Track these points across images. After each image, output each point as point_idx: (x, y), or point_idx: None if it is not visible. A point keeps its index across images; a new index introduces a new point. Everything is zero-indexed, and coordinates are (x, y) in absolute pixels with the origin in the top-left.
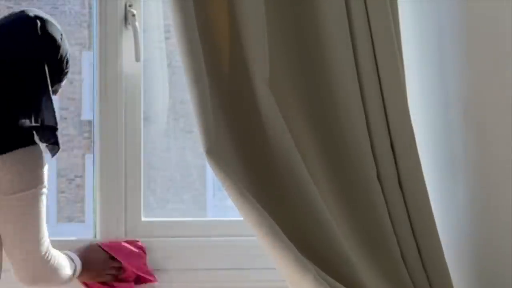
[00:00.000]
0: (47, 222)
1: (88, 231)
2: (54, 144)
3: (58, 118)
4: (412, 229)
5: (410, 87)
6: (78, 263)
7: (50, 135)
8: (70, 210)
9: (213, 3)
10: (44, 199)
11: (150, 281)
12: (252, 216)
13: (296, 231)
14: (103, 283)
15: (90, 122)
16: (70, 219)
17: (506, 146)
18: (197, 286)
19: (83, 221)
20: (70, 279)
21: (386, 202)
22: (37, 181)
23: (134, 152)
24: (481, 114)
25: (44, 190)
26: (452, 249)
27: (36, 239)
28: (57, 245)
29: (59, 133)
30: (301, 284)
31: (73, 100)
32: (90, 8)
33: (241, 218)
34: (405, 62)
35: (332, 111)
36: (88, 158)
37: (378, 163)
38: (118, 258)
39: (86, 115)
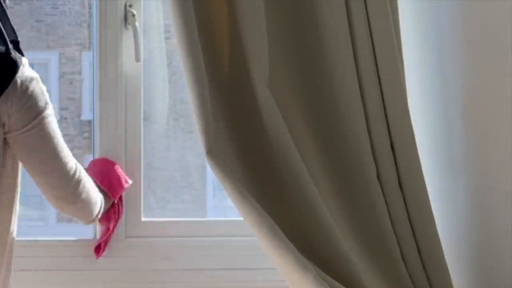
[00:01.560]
0: (47, 223)
1: (88, 231)
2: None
3: (58, 116)
4: (412, 229)
5: (410, 87)
6: (100, 197)
7: (18, 50)
8: None
9: (213, 3)
10: (54, 118)
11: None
12: (252, 216)
13: (296, 231)
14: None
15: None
16: (70, 219)
17: (506, 146)
18: (197, 286)
19: None
20: (99, 209)
21: (386, 202)
22: (43, 104)
23: (134, 152)
24: (481, 114)
25: (51, 109)
26: (452, 249)
27: (61, 157)
28: (57, 245)
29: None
30: (301, 284)
31: (73, 100)
32: (90, 8)
33: (241, 218)
34: (405, 62)
35: (332, 111)
36: (88, 158)
37: (378, 163)
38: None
39: (86, 115)
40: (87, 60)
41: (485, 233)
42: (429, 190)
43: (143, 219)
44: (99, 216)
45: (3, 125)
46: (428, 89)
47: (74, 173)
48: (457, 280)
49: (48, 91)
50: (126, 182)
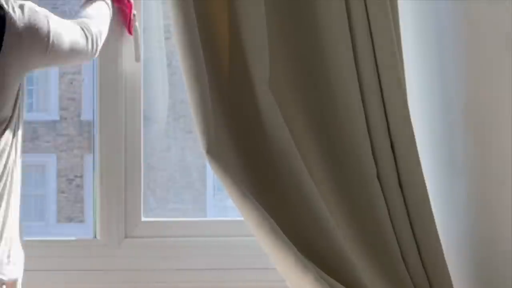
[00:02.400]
0: (47, 223)
1: (88, 231)
2: None
3: (58, 116)
4: (412, 229)
5: (410, 87)
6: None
7: None
8: (70, 210)
9: (213, 3)
10: (59, 23)
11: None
12: (253, 216)
13: (296, 231)
14: None
15: (90, 122)
16: (70, 219)
17: (506, 146)
18: (197, 286)
19: (83, 221)
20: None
21: (386, 202)
22: (45, 23)
23: (134, 152)
24: (481, 114)
25: (53, 20)
26: (452, 249)
27: (80, 43)
28: (57, 245)
29: (59, 133)
30: (302, 284)
31: (73, 100)
32: None
33: (241, 218)
34: (405, 62)
35: (332, 111)
36: (88, 158)
37: (378, 163)
38: None
39: (86, 115)
40: None
41: (485, 233)
42: (429, 190)
43: (143, 219)
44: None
45: (32, 60)
46: (428, 89)
47: (87, 38)
48: (457, 280)
49: (48, 91)
50: None
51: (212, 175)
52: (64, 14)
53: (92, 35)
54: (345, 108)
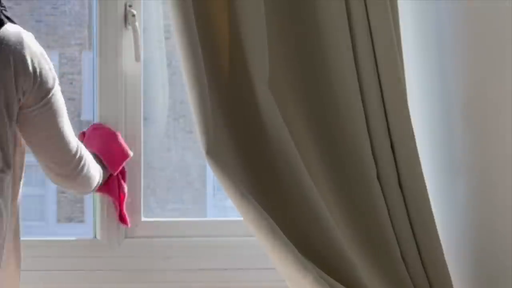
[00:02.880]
0: (47, 223)
1: (88, 231)
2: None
3: None
4: (412, 229)
5: (410, 87)
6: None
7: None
8: (70, 210)
9: (213, 3)
10: (61, 94)
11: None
12: (252, 216)
13: (296, 231)
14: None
15: (90, 122)
16: (70, 219)
17: (506, 146)
18: (197, 286)
19: (83, 221)
20: (99, 179)
21: (386, 202)
22: (52, 81)
23: (134, 152)
24: (481, 114)
25: (58, 85)
26: (452, 249)
27: (67, 135)
28: (57, 245)
29: None
30: (302, 284)
31: (73, 100)
32: (90, 8)
33: (241, 218)
34: (405, 62)
35: (332, 111)
36: None
37: (378, 163)
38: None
39: (86, 115)
40: (87, 60)
41: (485, 233)
42: (429, 190)
43: (143, 219)
44: (96, 187)
45: (19, 101)
46: (428, 89)
47: (77, 151)
48: (457, 280)
49: None
50: (128, 155)
51: (212, 175)
52: (64, 14)
53: (82, 159)
54: (345, 108)
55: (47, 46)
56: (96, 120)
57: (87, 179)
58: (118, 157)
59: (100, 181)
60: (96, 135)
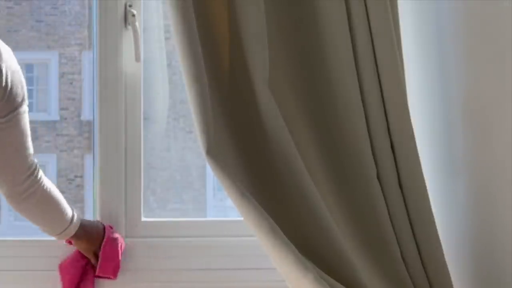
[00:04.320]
0: None
1: None
2: None
3: (58, 116)
4: (412, 229)
5: (410, 87)
6: (76, 217)
7: None
8: None
9: (213, 3)
10: (27, 114)
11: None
12: (252, 216)
13: (296, 231)
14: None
15: (90, 122)
16: None
17: (506, 146)
18: (197, 286)
19: None
20: (64, 225)
21: (386, 202)
22: (22, 98)
23: (134, 152)
24: (481, 114)
25: (26, 105)
26: (452, 249)
27: (25, 156)
28: (57, 245)
29: (59, 133)
30: (302, 285)
31: (73, 100)
32: (90, 8)
33: (241, 218)
34: (405, 62)
35: (332, 111)
36: (88, 158)
37: (378, 163)
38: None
39: (86, 115)
40: (87, 60)
41: (485, 234)
42: (429, 190)
43: (143, 219)
44: (68, 236)
45: None
46: (428, 88)
47: (31, 174)
48: (457, 280)
49: (48, 91)
50: (113, 276)
51: (212, 175)
52: (64, 14)
53: (38, 176)
54: (345, 108)
55: (47, 46)
56: (96, 121)
57: (40, 211)
58: (109, 268)
59: (71, 229)
60: (115, 239)
